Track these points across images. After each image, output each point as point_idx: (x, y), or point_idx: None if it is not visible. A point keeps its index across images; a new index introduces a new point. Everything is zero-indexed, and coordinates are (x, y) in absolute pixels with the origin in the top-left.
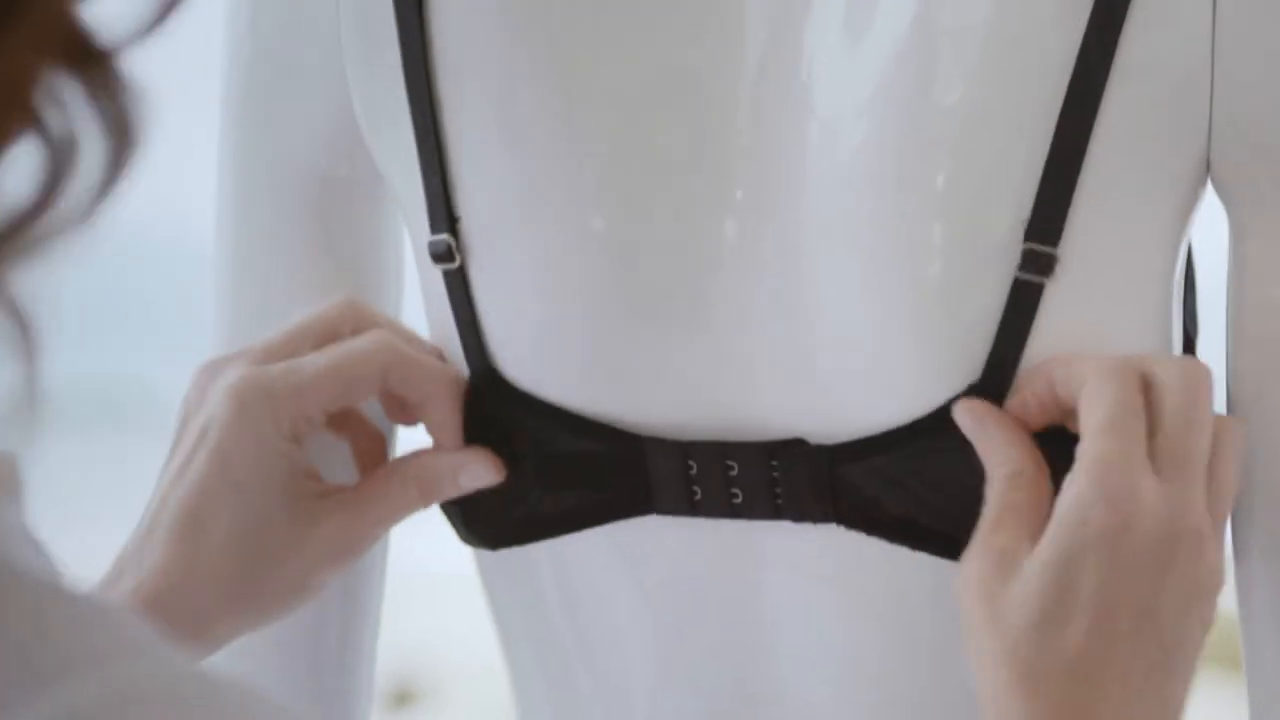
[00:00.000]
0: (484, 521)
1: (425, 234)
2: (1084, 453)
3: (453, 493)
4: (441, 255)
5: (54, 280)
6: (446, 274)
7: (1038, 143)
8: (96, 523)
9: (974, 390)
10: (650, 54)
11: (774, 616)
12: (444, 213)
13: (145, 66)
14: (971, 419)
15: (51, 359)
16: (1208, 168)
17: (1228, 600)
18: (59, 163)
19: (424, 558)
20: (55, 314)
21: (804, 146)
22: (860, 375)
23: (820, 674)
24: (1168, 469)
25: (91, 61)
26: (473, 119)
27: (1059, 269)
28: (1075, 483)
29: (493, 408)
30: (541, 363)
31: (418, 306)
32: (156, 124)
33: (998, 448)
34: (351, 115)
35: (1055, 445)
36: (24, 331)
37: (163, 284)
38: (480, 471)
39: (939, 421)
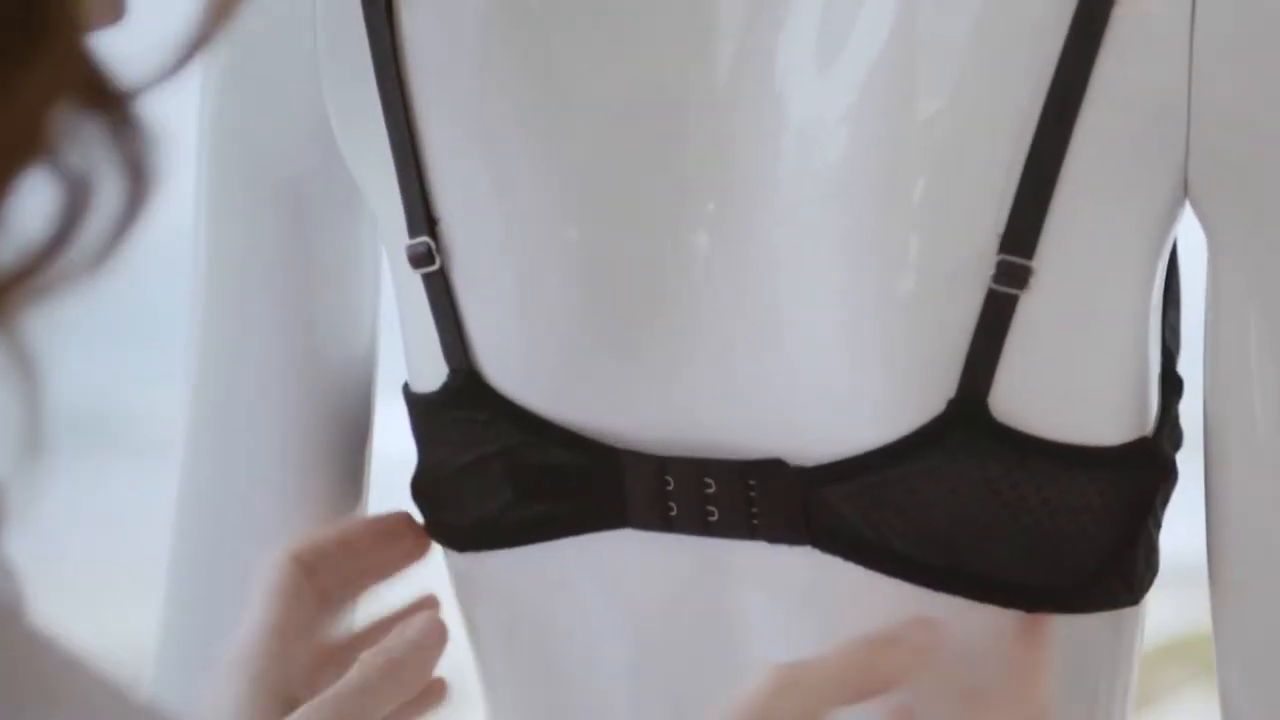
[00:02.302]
0: (450, 520)
1: (403, 239)
2: None
3: None
4: (421, 258)
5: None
6: (426, 277)
7: (1014, 158)
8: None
9: (952, 406)
10: (624, 66)
11: (749, 638)
12: (422, 215)
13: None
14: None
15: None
16: (1185, 189)
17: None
18: (75, 203)
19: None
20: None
21: (778, 160)
22: (837, 393)
23: None
24: None
25: (109, 102)
26: (448, 124)
27: (1034, 281)
28: None
29: (469, 409)
30: (521, 368)
31: (394, 318)
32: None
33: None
34: (327, 121)
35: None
36: (28, 375)
37: (153, 292)
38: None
39: (916, 442)
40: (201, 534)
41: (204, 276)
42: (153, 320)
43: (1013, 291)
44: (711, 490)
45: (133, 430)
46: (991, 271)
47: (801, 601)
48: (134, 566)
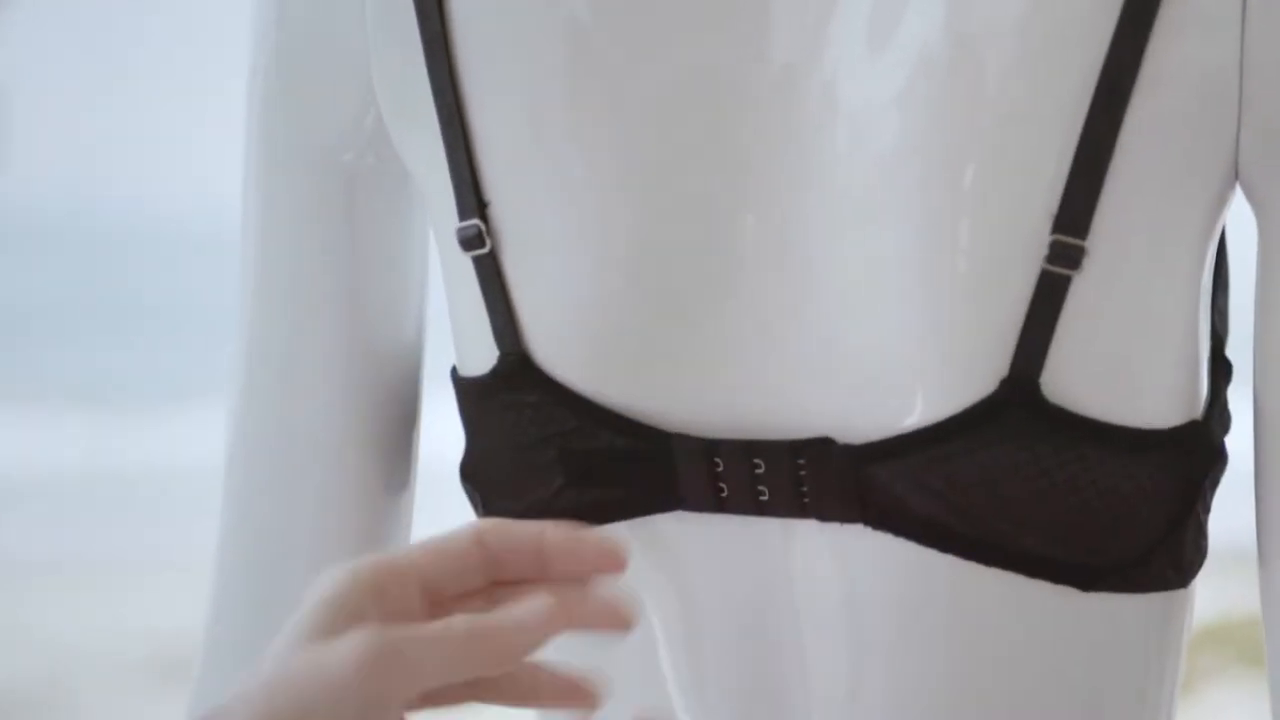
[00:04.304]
0: (502, 505)
1: (453, 222)
2: None
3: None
4: (471, 241)
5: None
6: (476, 260)
7: (1066, 140)
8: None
9: (1004, 386)
10: (675, 52)
11: (801, 617)
12: (473, 199)
13: (191, 61)
14: None
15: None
16: (1237, 170)
17: (1253, 601)
18: None
19: None
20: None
21: (830, 144)
22: (888, 373)
23: (845, 678)
24: None
25: None
26: (498, 109)
27: (1087, 262)
28: None
29: (519, 392)
30: (571, 351)
31: (442, 306)
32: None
33: None
34: (377, 106)
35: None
36: None
37: (203, 279)
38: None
39: (968, 421)
40: (250, 520)
41: (253, 262)
42: (214, 300)
43: (1066, 272)
44: (761, 470)
45: (192, 401)
46: (1045, 252)
47: (853, 578)
48: (183, 557)
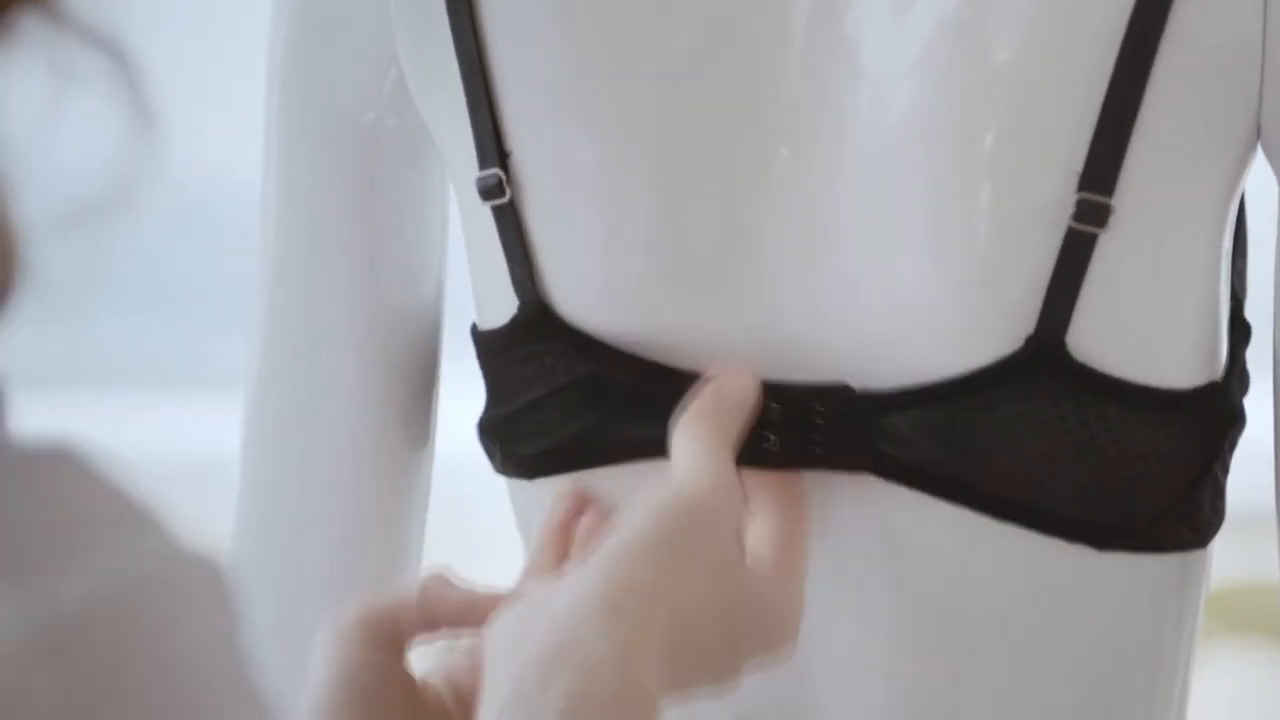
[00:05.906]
0: (519, 451)
1: (473, 172)
2: None
3: None
4: (491, 190)
5: (111, 244)
6: (496, 210)
7: (1090, 101)
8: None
9: (1030, 343)
10: (698, 11)
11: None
12: (494, 148)
13: (216, 34)
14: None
15: (109, 324)
16: (1259, 132)
17: (1238, 571)
18: None
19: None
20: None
21: (851, 105)
22: (911, 329)
23: (847, 633)
24: None
25: None
26: (520, 61)
27: (1112, 220)
28: None
29: (539, 341)
30: (591, 300)
31: (460, 268)
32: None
33: None
34: (399, 65)
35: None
36: (120, 64)
37: (224, 247)
38: None
39: (993, 376)
40: (269, 480)
41: (274, 222)
42: (234, 268)
43: (1093, 230)
44: (775, 415)
45: (198, 377)
46: (1071, 210)
47: (859, 532)
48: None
